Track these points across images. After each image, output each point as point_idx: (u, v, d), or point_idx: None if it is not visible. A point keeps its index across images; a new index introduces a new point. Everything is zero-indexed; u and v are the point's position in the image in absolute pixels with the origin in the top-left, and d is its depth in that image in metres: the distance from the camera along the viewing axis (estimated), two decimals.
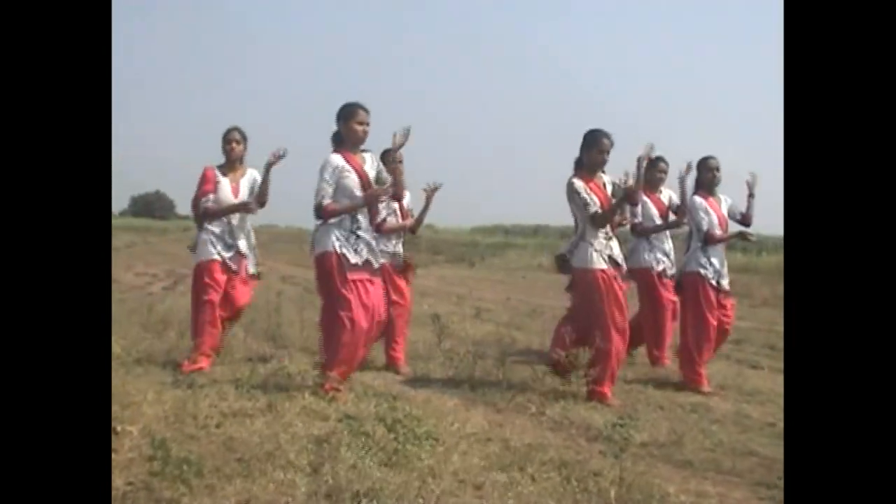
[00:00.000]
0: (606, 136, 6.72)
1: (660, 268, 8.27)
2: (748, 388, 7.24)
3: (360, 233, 6.17)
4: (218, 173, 7.38)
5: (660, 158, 8.37)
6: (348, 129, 6.24)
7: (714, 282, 7.42)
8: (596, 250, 6.56)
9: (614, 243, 6.72)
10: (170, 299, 12.70)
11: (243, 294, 7.50)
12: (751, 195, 7.68)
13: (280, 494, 3.81)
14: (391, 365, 7.57)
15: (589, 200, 6.60)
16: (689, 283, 7.52)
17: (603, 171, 6.84)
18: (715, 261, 7.45)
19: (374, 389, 6.30)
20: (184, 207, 47.96)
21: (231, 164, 7.42)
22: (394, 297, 7.34)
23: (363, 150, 6.36)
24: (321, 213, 6.11)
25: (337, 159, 6.20)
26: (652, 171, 8.27)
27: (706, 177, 7.64)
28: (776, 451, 5.14)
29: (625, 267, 6.80)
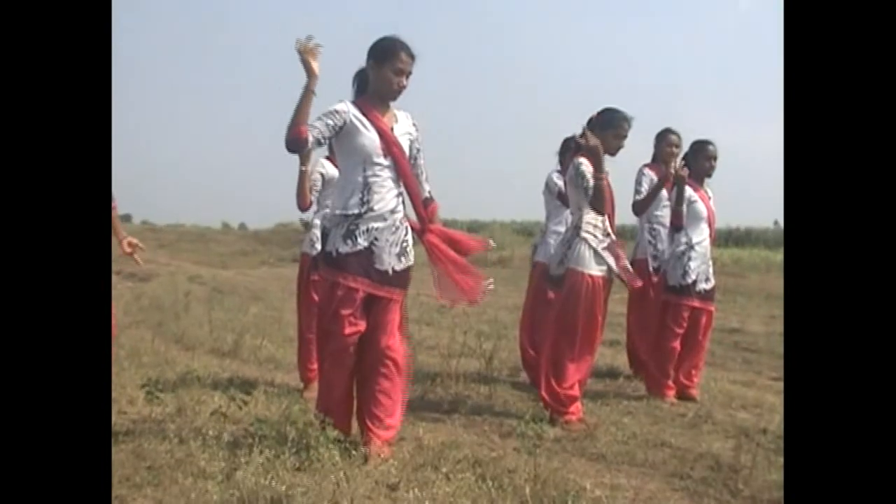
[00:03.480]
0: (627, 119, 5.75)
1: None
2: None
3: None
4: None
5: (669, 130, 7.23)
6: (380, 77, 4.60)
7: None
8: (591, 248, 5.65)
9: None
10: None
11: None
12: None
13: (192, 503, 3.73)
14: None
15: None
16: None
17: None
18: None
19: (285, 390, 6.21)
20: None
21: None
22: None
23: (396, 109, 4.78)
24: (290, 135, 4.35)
25: (347, 106, 4.59)
26: (661, 146, 7.27)
27: (703, 165, 6.79)
28: (688, 441, 5.24)
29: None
